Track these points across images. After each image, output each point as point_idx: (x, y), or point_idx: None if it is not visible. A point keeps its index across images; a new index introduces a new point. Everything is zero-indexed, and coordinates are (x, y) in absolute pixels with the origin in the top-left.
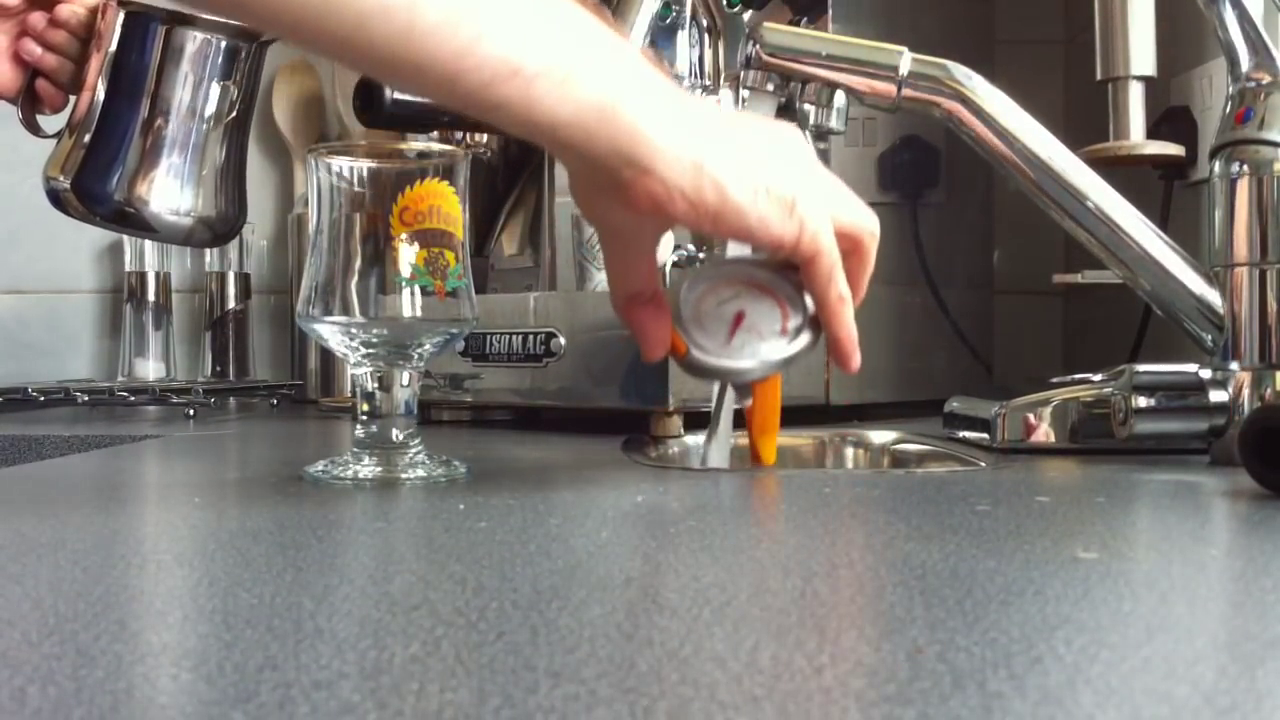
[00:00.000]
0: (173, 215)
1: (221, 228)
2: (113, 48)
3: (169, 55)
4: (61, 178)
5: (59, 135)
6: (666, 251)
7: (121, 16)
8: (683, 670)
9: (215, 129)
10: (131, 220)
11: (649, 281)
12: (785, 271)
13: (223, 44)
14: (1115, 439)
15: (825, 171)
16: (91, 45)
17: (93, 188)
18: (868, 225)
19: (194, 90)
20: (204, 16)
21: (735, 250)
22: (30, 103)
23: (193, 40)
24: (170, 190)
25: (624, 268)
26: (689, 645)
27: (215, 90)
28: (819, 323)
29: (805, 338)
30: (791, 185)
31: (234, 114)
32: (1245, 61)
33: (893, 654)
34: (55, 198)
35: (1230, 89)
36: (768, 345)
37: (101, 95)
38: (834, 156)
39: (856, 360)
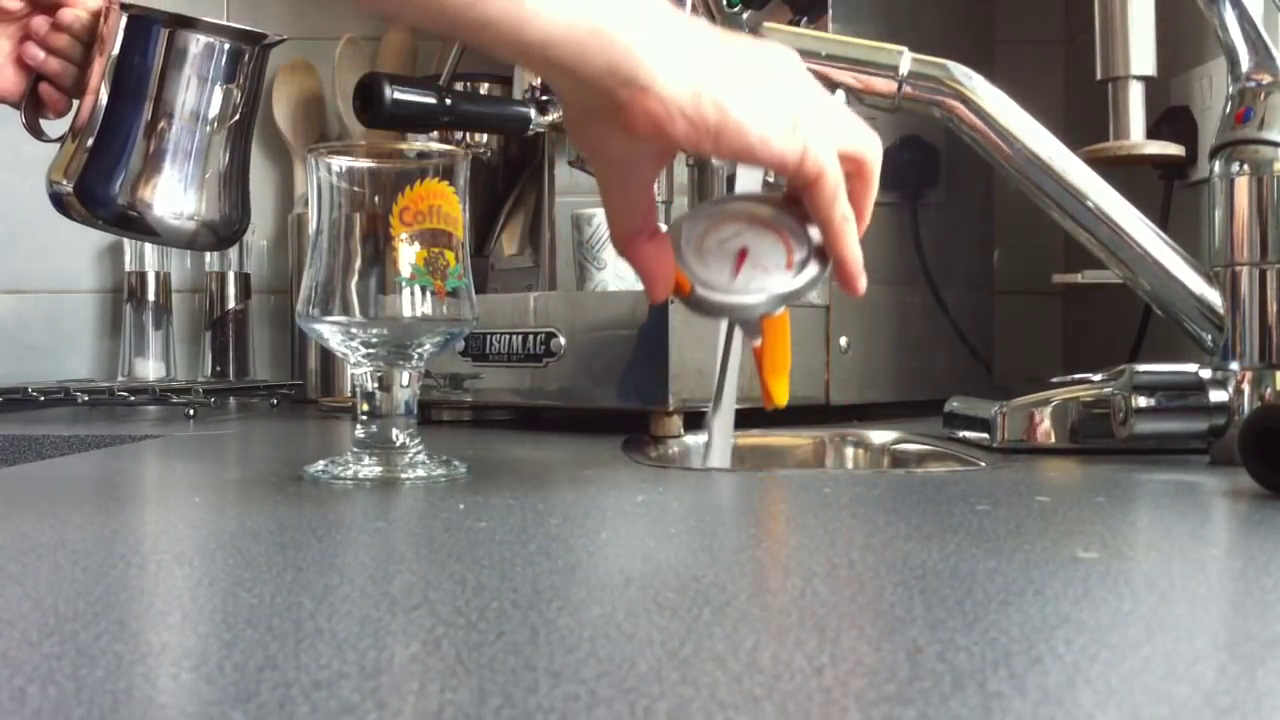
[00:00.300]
0: (176, 219)
1: (225, 231)
2: (115, 51)
3: (172, 58)
4: (65, 181)
5: (62, 140)
6: None
7: (124, 20)
8: (683, 670)
9: (218, 132)
10: (135, 224)
11: (649, 217)
12: (787, 206)
13: (225, 47)
14: (1115, 439)
15: (825, 93)
16: (94, 49)
17: (96, 191)
18: (870, 147)
19: (197, 93)
20: (206, 20)
21: (744, 185)
22: (34, 107)
23: (195, 43)
24: (174, 193)
25: (623, 203)
26: (689, 645)
27: (218, 93)
28: (825, 254)
29: (812, 269)
30: (793, 104)
31: (237, 117)
32: (1245, 61)
33: (893, 654)
34: (58, 201)
35: (1230, 89)
36: (774, 279)
37: (105, 99)
38: None
39: (862, 283)
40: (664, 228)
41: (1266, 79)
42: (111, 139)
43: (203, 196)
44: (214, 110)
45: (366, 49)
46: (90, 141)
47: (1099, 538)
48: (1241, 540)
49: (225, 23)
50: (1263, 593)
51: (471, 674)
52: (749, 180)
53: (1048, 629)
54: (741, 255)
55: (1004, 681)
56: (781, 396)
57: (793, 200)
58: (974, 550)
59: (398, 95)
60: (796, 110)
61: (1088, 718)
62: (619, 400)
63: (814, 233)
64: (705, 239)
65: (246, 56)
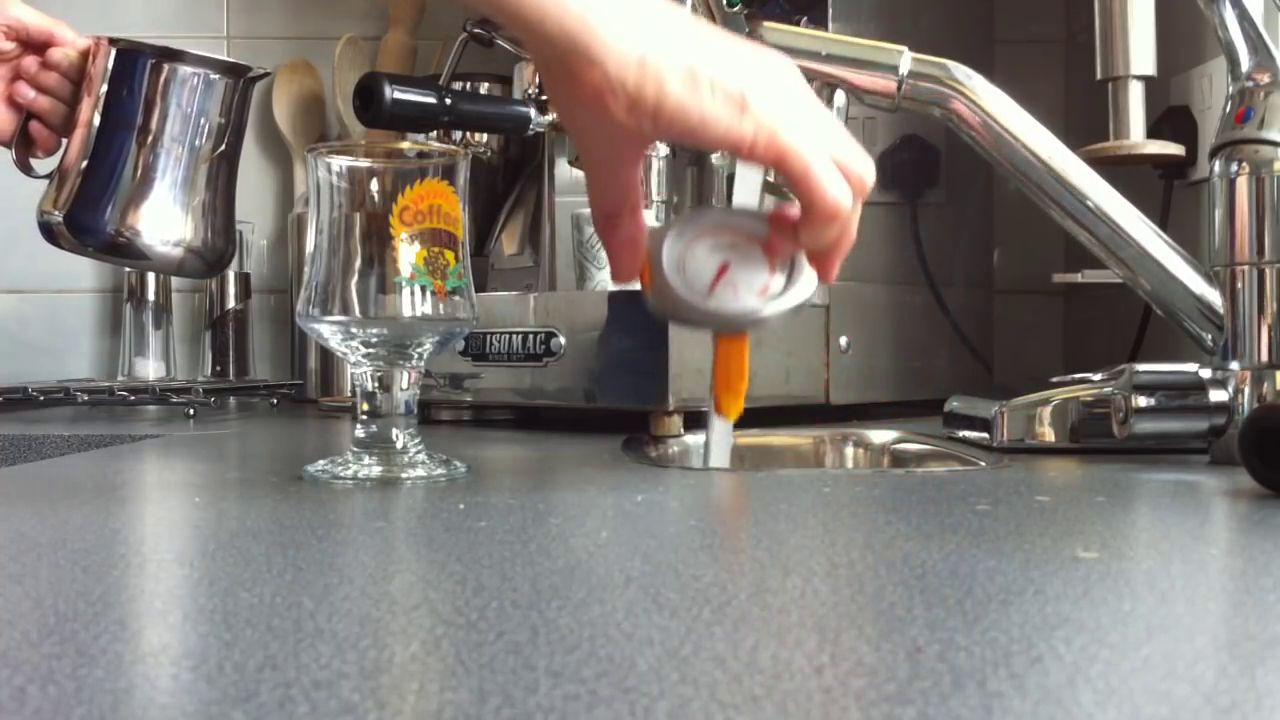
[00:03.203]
0: (164, 245)
1: (211, 257)
2: (104, 88)
3: (159, 90)
4: (55, 212)
5: (50, 176)
6: None
7: (113, 54)
8: (683, 670)
9: (205, 161)
10: (124, 250)
11: (624, 199)
12: (783, 226)
13: (212, 78)
14: (1115, 439)
15: (818, 102)
16: (83, 87)
17: (85, 220)
18: (867, 168)
19: (183, 123)
20: (193, 53)
21: (743, 182)
22: (24, 145)
23: (182, 75)
24: (161, 221)
25: (599, 179)
26: (689, 645)
27: (204, 123)
28: (805, 285)
29: (783, 302)
30: (740, 80)
31: (223, 147)
32: (1245, 61)
33: (893, 654)
34: (48, 231)
35: (1230, 88)
36: (742, 301)
37: (94, 131)
38: None
39: (830, 277)
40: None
41: (1266, 79)
42: (100, 169)
43: (189, 223)
44: (200, 140)
45: (366, 49)
46: (80, 173)
47: (1099, 538)
48: (1241, 540)
49: (211, 55)
50: (1263, 593)
51: (471, 674)
52: (748, 178)
53: (1048, 629)
54: (722, 270)
55: (1004, 681)
56: (731, 412)
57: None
58: (974, 550)
59: (398, 95)
60: (745, 84)
61: (1088, 717)
62: (619, 400)
63: (802, 260)
64: (696, 243)
65: (232, 88)
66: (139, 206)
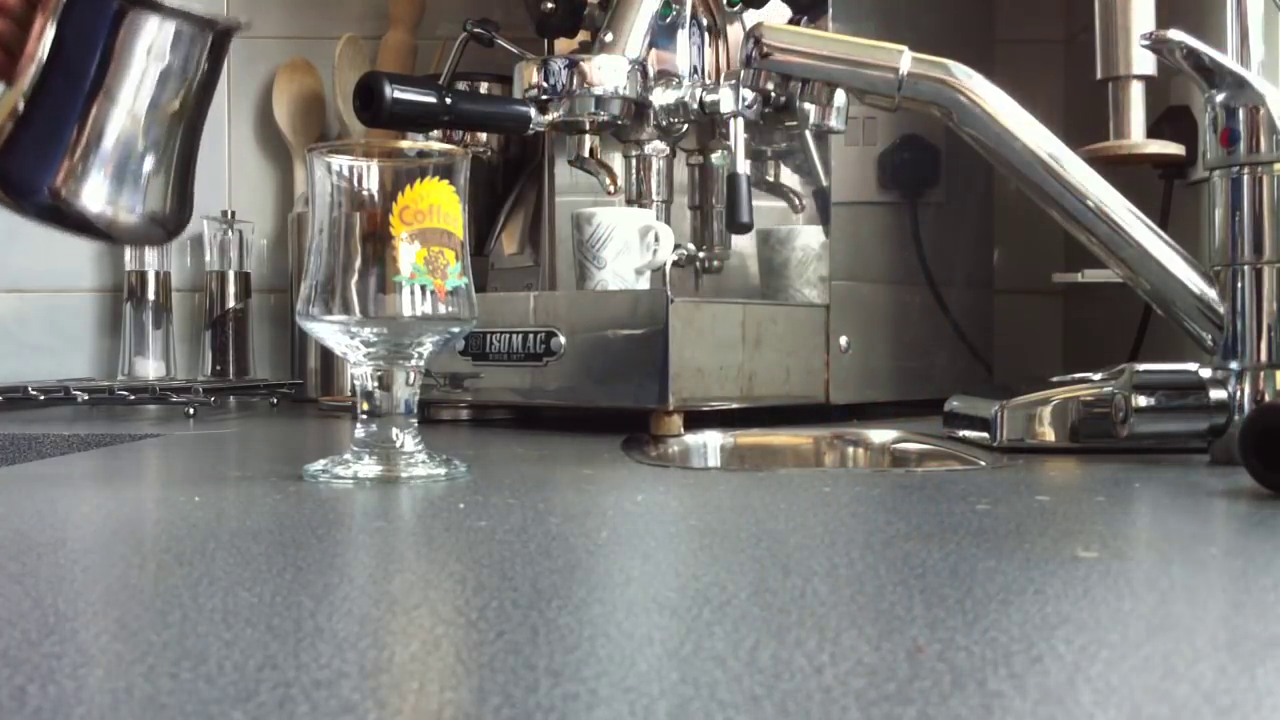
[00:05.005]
0: (114, 211)
1: (171, 225)
2: (57, 18)
3: (121, 35)
4: None
5: None
6: (666, 251)
7: None
8: (683, 670)
9: (163, 121)
10: (62, 217)
11: None
12: None
13: (181, 29)
14: (1115, 438)
15: None
16: (37, 9)
17: (19, 174)
18: None
19: (143, 77)
20: (164, 2)
21: None
22: None
23: (148, 21)
24: (109, 185)
25: None
26: (689, 645)
27: (170, 79)
28: None
29: None
30: None
31: (188, 105)
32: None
33: (893, 653)
34: None
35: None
36: None
37: (40, 67)
38: (834, 156)
39: None
40: (664, 226)
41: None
42: (42, 114)
43: (140, 189)
44: (164, 96)
45: (366, 49)
46: (16, 115)
47: (1099, 537)
48: (1241, 540)
49: (184, 5)
50: (1263, 593)
51: (471, 674)
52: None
53: (1048, 629)
54: None
55: (1004, 681)
56: None
57: None
58: (974, 550)
59: (398, 95)
60: None
61: (1088, 717)
62: (619, 400)
63: None
64: None
65: (203, 42)
66: (86, 164)
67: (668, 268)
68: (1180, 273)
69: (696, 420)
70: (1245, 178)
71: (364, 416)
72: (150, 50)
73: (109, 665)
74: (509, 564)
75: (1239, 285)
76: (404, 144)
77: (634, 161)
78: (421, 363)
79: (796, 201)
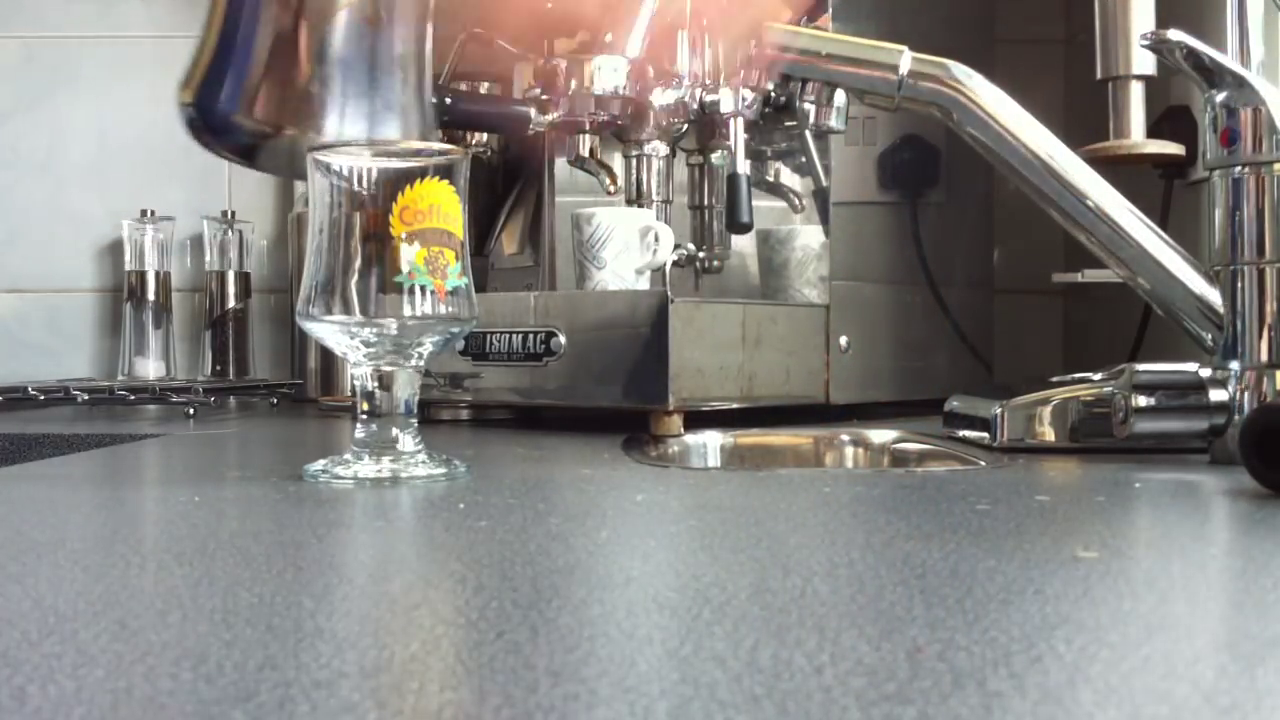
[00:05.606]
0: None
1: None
2: None
3: None
4: (189, 100)
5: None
6: (666, 251)
7: None
8: (683, 670)
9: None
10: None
11: None
12: None
13: None
14: (1115, 438)
15: None
16: None
17: (216, 109)
18: None
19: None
20: None
21: None
22: None
23: None
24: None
25: None
26: (689, 645)
27: None
28: None
29: None
30: None
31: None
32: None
33: (893, 653)
34: (190, 124)
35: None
36: None
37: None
38: (834, 156)
39: None
40: (664, 226)
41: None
42: (237, 43)
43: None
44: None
45: None
46: (214, 47)
47: (1099, 537)
48: (1241, 540)
49: None
50: (1263, 593)
51: (471, 674)
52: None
53: (1048, 629)
54: None
55: (1004, 681)
56: None
57: None
58: (974, 550)
59: None
60: None
61: (1088, 717)
62: (619, 400)
63: None
64: None
65: None
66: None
67: (668, 268)
68: (1180, 273)
69: (696, 420)
70: (1245, 178)
71: (364, 416)
72: None
73: (109, 665)
74: (509, 564)
75: (1239, 285)
76: (404, 145)
77: (634, 161)
78: (422, 363)
79: (796, 201)
